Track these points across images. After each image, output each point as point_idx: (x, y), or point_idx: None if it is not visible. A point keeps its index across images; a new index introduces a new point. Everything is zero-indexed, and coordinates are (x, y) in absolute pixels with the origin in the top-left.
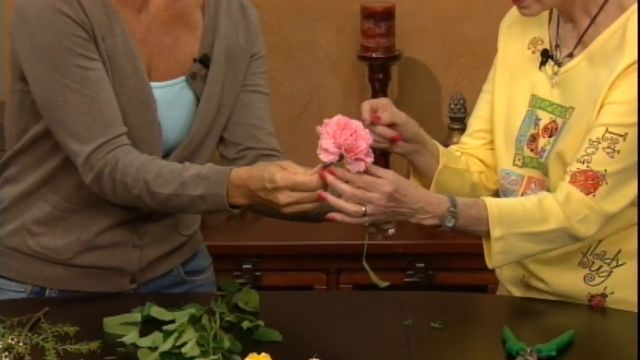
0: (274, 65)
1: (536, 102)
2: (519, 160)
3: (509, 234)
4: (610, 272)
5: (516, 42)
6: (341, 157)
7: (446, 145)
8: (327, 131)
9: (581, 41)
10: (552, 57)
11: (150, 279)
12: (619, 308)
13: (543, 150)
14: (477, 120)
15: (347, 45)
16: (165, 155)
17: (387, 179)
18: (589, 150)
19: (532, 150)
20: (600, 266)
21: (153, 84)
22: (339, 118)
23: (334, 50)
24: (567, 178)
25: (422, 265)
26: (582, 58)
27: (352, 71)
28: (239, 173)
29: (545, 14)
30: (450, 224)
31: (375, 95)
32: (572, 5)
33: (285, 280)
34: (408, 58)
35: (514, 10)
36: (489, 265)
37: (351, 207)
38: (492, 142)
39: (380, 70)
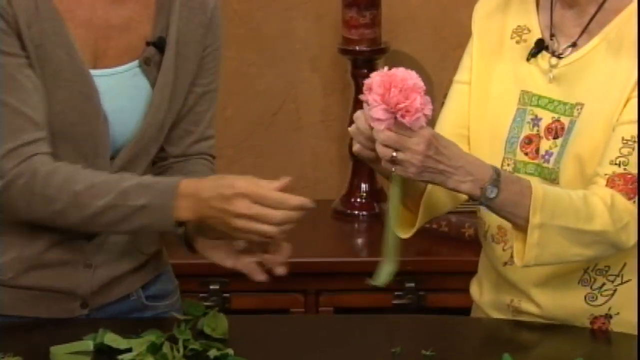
0: (246, 59)
1: (530, 100)
2: (508, 164)
3: (550, 225)
4: (615, 290)
5: (496, 31)
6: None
7: None
8: (374, 98)
9: (586, 29)
10: (546, 48)
11: (105, 303)
12: (626, 331)
13: (548, 153)
14: (453, 115)
15: (327, 37)
16: (115, 156)
17: (425, 128)
18: (625, 151)
19: (527, 154)
20: (603, 284)
21: (98, 71)
22: (382, 76)
23: (313, 42)
24: (602, 182)
25: (412, 285)
26: (593, 47)
27: (333, 66)
28: (189, 182)
29: (531, 0)
30: (492, 195)
31: (359, 92)
32: None
33: (258, 302)
34: (396, 51)
35: None
36: (519, 262)
37: (381, 149)
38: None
39: (364, 65)
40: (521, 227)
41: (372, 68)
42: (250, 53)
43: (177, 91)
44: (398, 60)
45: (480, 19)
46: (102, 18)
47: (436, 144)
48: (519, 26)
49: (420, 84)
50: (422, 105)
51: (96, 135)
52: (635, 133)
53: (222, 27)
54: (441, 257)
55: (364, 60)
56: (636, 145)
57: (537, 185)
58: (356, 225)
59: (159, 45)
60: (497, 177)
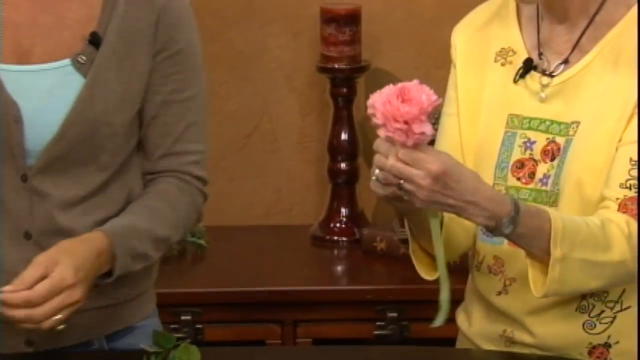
0: (218, 77)
1: (520, 123)
2: (499, 190)
3: (571, 258)
4: (614, 317)
5: (479, 55)
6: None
7: None
8: (375, 105)
9: (578, 45)
10: (534, 68)
11: (58, 348)
12: None
13: (546, 176)
14: (447, 150)
15: (305, 55)
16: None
17: (438, 158)
18: (634, 173)
19: (519, 178)
20: (602, 311)
21: (21, 67)
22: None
23: (289, 60)
24: (614, 206)
25: (394, 315)
26: (587, 64)
27: (311, 85)
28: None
29: (513, 20)
30: (507, 231)
31: (338, 113)
32: (570, 1)
33: (232, 334)
34: (377, 69)
35: (468, 20)
36: (538, 294)
37: (388, 176)
38: None
39: (344, 84)
40: (537, 257)
41: (352, 87)
42: (223, 71)
43: (117, 91)
44: (379, 79)
45: (462, 45)
46: (28, 16)
47: (445, 179)
48: (502, 48)
49: (427, 102)
50: (411, 116)
51: (11, 139)
52: None
53: (192, 32)
54: (425, 284)
55: (343, 79)
56: None
57: (557, 217)
58: (336, 252)
59: (94, 41)
60: (515, 214)
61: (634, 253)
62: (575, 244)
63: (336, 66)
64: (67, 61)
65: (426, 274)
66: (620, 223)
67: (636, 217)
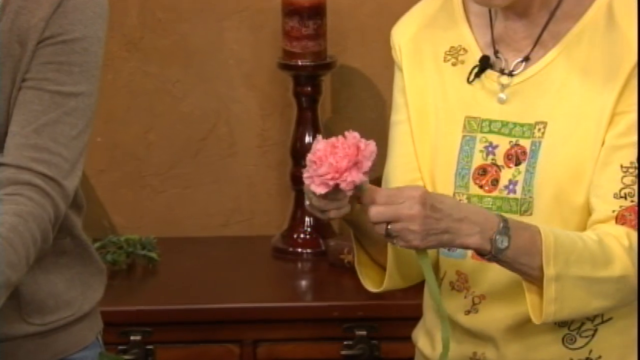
0: (170, 75)
1: (479, 126)
2: (460, 200)
3: (566, 276)
4: (595, 330)
5: (427, 56)
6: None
7: None
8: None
9: (539, 41)
10: (490, 66)
11: None
12: None
13: (512, 182)
14: (401, 160)
15: (265, 50)
16: None
17: (411, 186)
18: (627, 180)
19: (482, 186)
20: (582, 323)
21: None
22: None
23: (248, 57)
24: (610, 219)
25: (363, 333)
26: (551, 61)
27: (272, 83)
28: None
29: (460, 16)
30: (503, 245)
31: (301, 113)
32: None
33: (186, 355)
34: (344, 67)
35: (409, 19)
36: (537, 320)
37: (375, 227)
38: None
39: (308, 82)
40: (537, 278)
41: (317, 85)
42: (176, 69)
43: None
44: (346, 76)
45: (406, 46)
46: None
47: (431, 200)
48: (452, 47)
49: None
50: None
51: None
52: (634, 158)
53: (94, 27)
54: (396, 300)
55: (307, 77)
56: (636, 171)
57: (547, 231)
58: (299, 265)
59: None
60: (505, 224)
61: (637, 267)
62: (570, 260)
63: (299, 63)
64: None
65: (373, 286)
66: (619, 236)
67: (636, 227)
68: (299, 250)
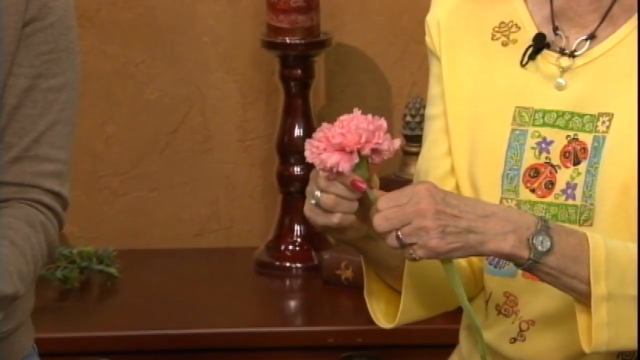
0: (133, 56)
1: (531, 118)
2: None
3: (620, 295)
4: None
5: (470, 35)
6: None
7: None
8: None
9: (608, 14)
10: (547, 46)
11: None
12: None
13: (571, 186)
14: (437, 163)
15: (247, 26)
16: None
17: (415, 182)
18: None
19: (534, 190)
20: None
21: None
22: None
23: (227, 33)
24: None
25: None
26: (622, 39)
27: (255, 65)
28: None
29: None
30: (544, 247)
31: (290, 101)
32: None
33: None
34: (340, 45)
35: None
36: (588, 349)
37: (388, 240)
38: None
39: (298, 64)
40: (588, 295)
41: (308, 68)
42: (140, 48)
43: None
44: (343, 57)
45: (445, 21)
46: None
47: (441, 194)
48: (502, 22)
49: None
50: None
51: None
52: None
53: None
54: (406, 325)
55: (297, 57)
56: None
57: (597, 239)
58: (288, 282)
59: None
60: (544, 223)
61: (637, 270)
62: (627, 277)
63: (287, 40)
64: None
65: (385, 321)
66: None
67: None
68: (287, 264)
